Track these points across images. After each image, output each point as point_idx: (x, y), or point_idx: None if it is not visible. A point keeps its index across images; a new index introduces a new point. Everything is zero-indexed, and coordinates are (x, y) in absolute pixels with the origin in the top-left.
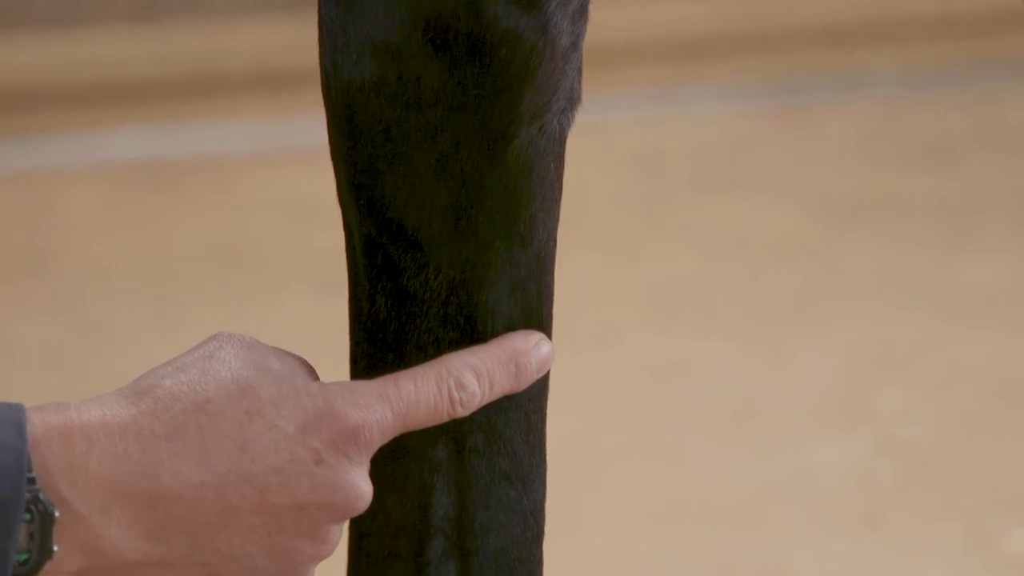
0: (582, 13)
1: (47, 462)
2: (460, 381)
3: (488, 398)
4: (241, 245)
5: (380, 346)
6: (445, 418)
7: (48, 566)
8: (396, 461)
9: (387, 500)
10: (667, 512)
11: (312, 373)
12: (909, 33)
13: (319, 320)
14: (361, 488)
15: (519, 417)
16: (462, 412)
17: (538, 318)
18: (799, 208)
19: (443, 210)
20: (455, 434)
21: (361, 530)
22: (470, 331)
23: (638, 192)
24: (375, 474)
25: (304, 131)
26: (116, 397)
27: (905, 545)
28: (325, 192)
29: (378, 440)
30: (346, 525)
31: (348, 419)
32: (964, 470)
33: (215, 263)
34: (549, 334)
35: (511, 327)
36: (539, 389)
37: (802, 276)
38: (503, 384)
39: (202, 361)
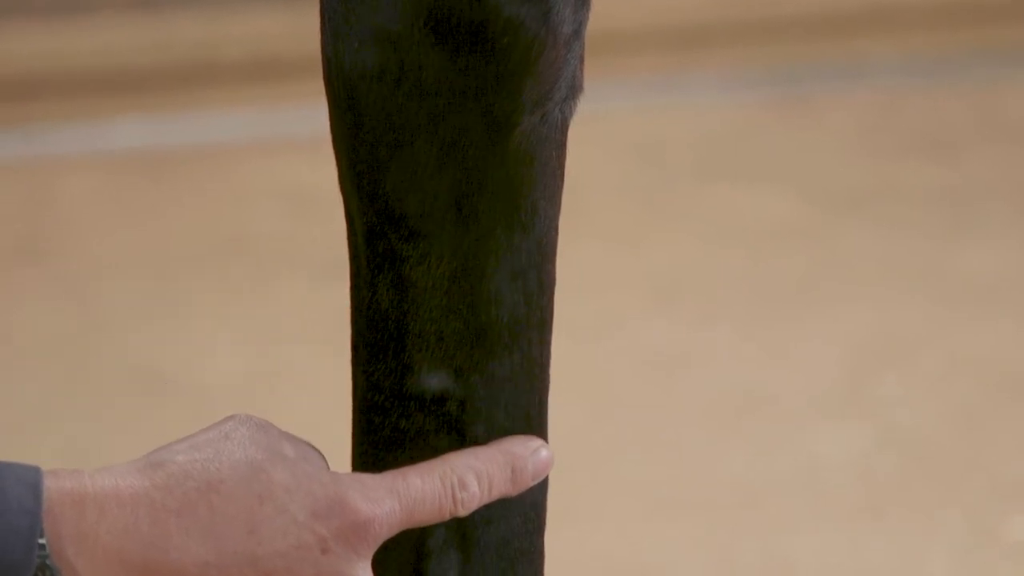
0: (584, 1)
1: (59, 528)
2: (463, 481)
3: (486, 499)
4: (240, 234)
5: (381, 335)
6: (446, 516)
7: None
8: (397, 450)
9: None
10: (667, 504)
11: (324, 461)
12: (909, 22)
13: (319, 309)
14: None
15: (519, 410)
16: (462, 512)
17: (539, 306)
18: (800, 197)
19: (445, 198)
20: (456, 424)
21: None
22: (472, 320)
23: (639, 181)
24: (373, 463)
25: (304, 120)
26: (130, 468)
27: (906, 536)
28: (325, 181)
29: (384, 535)
30: None
31: (359, 512)
32: (965, 460)
33: (215, 252)
34: (550, 322)
35: (513, 315)
36: (539, 381)
37: (803, 265)
38: (500, 487)
39: (217, 441)
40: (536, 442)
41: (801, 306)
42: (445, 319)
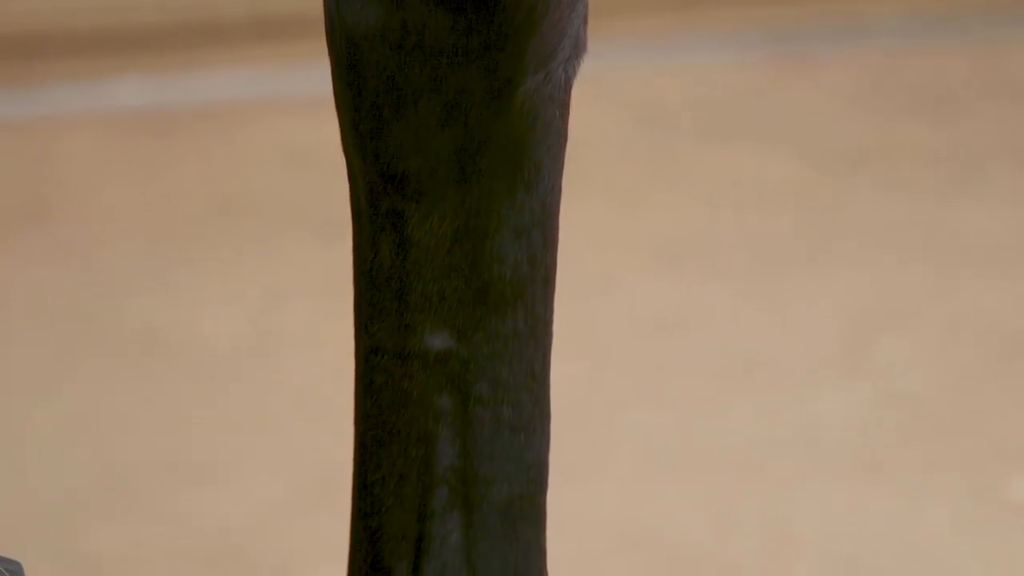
0: None
1: None
2: None
3: None
4: (243, 194)
5: (384, 295)
6: None
7: None
8: (399, 410)
9: (391, 450)
10: (668, 465)
11: None
12: None
13: (321, 268)
14: None
15: (522, 367)
16: None
17: (543, 264)
18: (800, 158)
19: (447, 158)
20: (459, 383)
21: (365, 479)
22: (475, 278)
23: (639, 142)
24: (376, 423)
25: (306, 79)
26: None
27: (906, 495)
28: (327, 141)
29: None
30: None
31: None
32: (965, 421)
33: (217, 212)
34: (554, 278)
35: (516, 273)
36: (542, 338)
37: (803, 226)
38: None
39: None
40: None
41: (802, 267)
42: (448, 278)
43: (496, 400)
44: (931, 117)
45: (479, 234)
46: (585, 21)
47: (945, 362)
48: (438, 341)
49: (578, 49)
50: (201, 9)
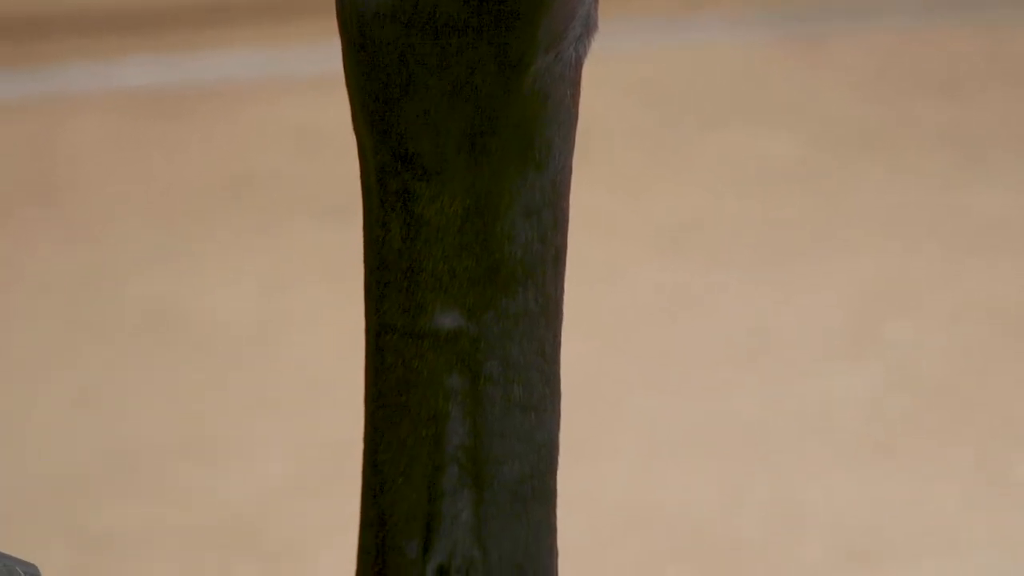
0: None
1: None
2: None
3: None
4: (250, 174)
5: (394, 274)
6: None
7: None
8: (410, 389)
9: (401, 429)
10: (677, 445)
11: None
12: None
13: (328, 248)
14: None
15: (533, 346)
16: None
17: (553, 243)
18: (809, 139)
19: (458, 137)
20: (470, 362)
21: (375, 458)
22: (486, 257)
23: (645, 123)
24: (387, 403)
25: (313, 59)
26: None
27: (916, 475)
28: (334, 121)
29: None
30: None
31: None
32: (974, 400)
33: (224, 191)
34: (564, 257)
35: (527, 252)
36: (553, 317)
37: (810, 209)
38: None
39: None
40: None
41: (809, 250)
42: (458, 257)
43: (507, 379)
44: (938, 100)
45: (490, 213)
46: (596, 0)
47: (953, 343)
48: (448, 320)
49: (589, 28)
50: None
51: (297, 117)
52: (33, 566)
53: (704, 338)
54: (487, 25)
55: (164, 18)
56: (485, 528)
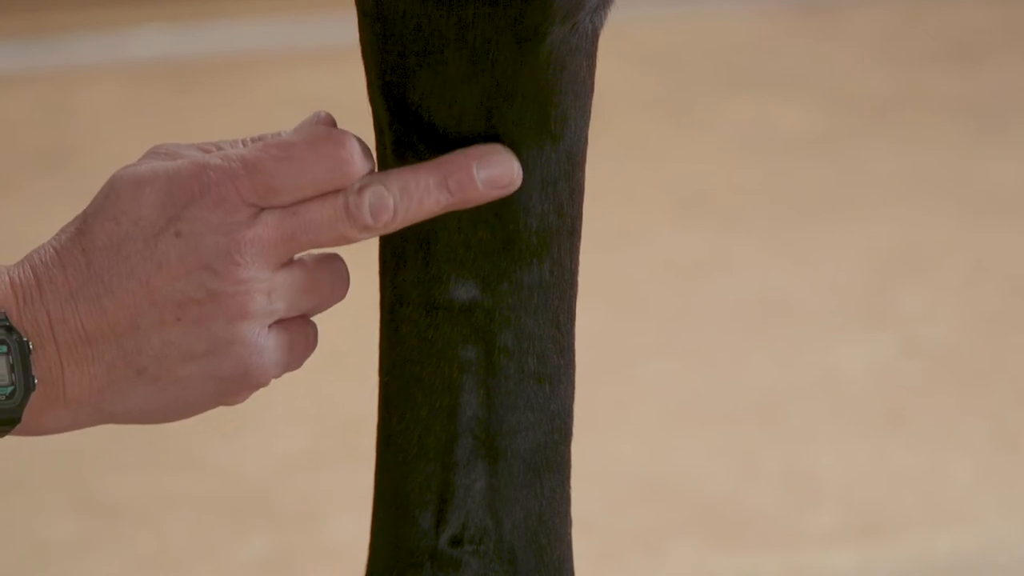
0: None
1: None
2: (361, 187)
3: (408, 207)
4: None
5: (410, 245)
6: (341, 213)
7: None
8: (424, 360)
9: (415, 400)
10: (690, 412)
11: (205, 150)
12: None
13: None
14: (224, 243)
15: (548, 317)
16: (369, 219)
17: (570, 215)
18: (823, 108)
19: (474, 108)
20: (484, 333)
21: (389, 430)
22: (501, 230)
23: (661, 92)
24: (402, 373)
25: (327, 30)
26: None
27: (929, 443)
28: (348, 91)
29: (233, 195)
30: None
31: (205, 176)
32: (988, 368)
33: None
34: (580, 229)
35: (543, 224)
36: (568, 288)
37: (826, 176)
38: (430, 195)
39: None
40: (485, 149)
41: (823, 216)
42: (473, 228)
43: (521, 350)
44: (951, 69)
45: None
46: None
47: (968, 311)
48: (463, 292)
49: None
50: None
51: (310, 87)
52: None
53: (717, 306)
54: None
55: None
56: (499, 498)
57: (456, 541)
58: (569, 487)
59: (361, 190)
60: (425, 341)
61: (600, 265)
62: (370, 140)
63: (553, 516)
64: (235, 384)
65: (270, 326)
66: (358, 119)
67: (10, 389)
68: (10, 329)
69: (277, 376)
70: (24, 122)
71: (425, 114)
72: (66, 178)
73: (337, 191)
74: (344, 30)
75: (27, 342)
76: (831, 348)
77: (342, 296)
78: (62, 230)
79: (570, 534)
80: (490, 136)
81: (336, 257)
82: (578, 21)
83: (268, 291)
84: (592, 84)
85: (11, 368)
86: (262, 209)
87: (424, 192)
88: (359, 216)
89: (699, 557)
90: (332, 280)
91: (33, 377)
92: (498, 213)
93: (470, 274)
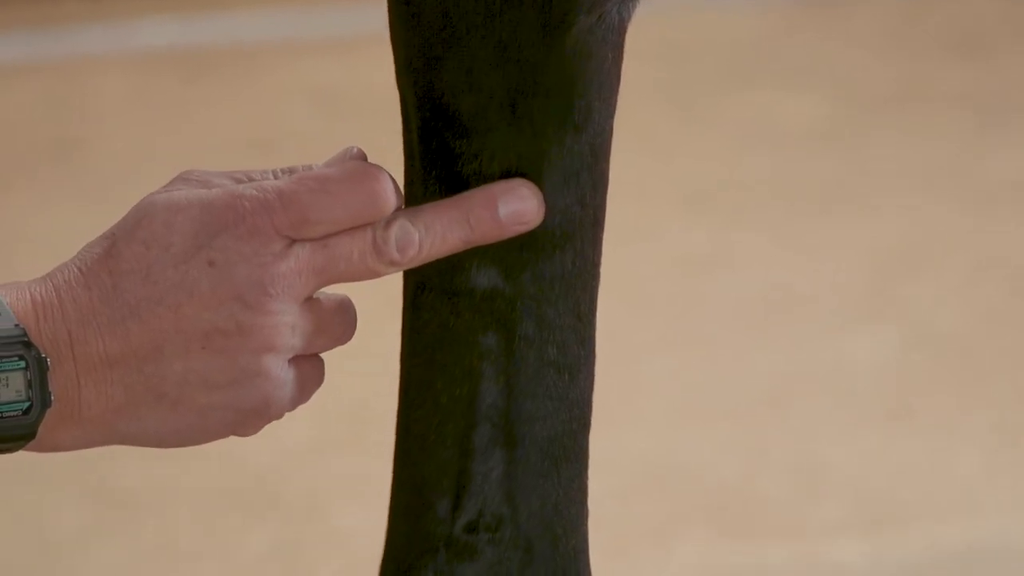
0: None
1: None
2: (389, 222)
3: (431, 242)
4: (271, 134)
5: None
6: (370, 246)
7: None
8: (444, 347)
9: (435, 387)
10: (698, 404)
11: (235, 182)
12: None
13: None
14: (257, 275)
15: (569, 307)
16: (395, 254)
17: (593, 206)
18: (830, 100)
19: (499, 97)
20: (505, 322)
21: (409, 416)
22: None
23: (667, 86)
24: (422, 360)
25: (333, 21)
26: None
27: (935, 436)
28: (354, 82)
29: (267, 227)
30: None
31: (240, 207)
32: (994, 361)
33: (246, 152)
34: (603, 220)
35: (566, 216)
36: (590, 279)
37: (832, 169)
38: (453, 232)
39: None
40: (508, 185)
41: (829, 210)
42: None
43: (541, 339)
44: (957, 61)
45: (529, 176)
46: None
47: (974, 303)
48: (485, 280)
49: None
50: None
51: (316, 78)
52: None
53: (724, 300)
54: None
55: None
56: (516, 486)
57: (472, 528)
58: (586, 477)
59: (388, 225)
60: (445, 328)
61: (607, 258)
62: (373, 127)
63: (569, 505)
64: (253, 416)
65: (289, 361)
66: (364, 109)
67: (27, 405)
68: (28, 345)
69: (290, 411)
70: (31, 112)
71: (451, 101)
72: (73, 168)
73: (365, 226)
74: (351, 21)
75: (45, 359)
76: (837, 341)
77: (349, 338)
78: (86, 249)
79: (586, 524)
80: (514, 125)
81: (348, 298)
82: (605, 11)
83: (292, 325)
84: (618, 76)
85: (29, 384)
86: (294, 242)
87: (448, 228)
88: (386, 251)
89: (707, 548)
90: (344, 321)
91: (50, 394)
92: None
93: (492, 262)
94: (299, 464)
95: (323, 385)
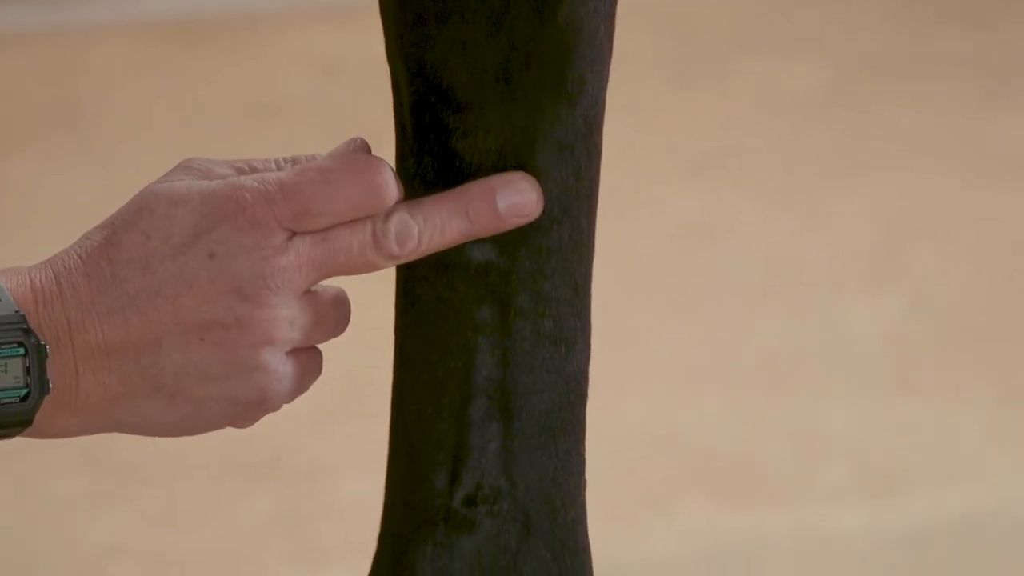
0: None
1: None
2: (388, 215)
3: (430, 237)
4: (273, 102)
5: None
6: (368, 241)
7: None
8: (439, 321)
9: (430, 360)
10: (699, 374)
11: (238, 172)
12: None
13: None
14: (258, 268)
15: (565, 280)
16: (395, 248)
17: (587, 178)
18: (833, 67)
19: (492, 71)
20: (500, 295)
21: (404, 389)
22: None
23: (669, 52)
24: (417, 333)
25: None
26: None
27: (938, 402)
28: (358, 50)
29: (269, 219)
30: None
31: (240, 199)
32: (997, 328)
33: (247, 119)
34: (597, 192)
35: (561, 188)
36: (586, 252)
37: (835, 137)
38: (452, 226)
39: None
40: (506, 178)
41: (833, 177)
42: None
43: (537, 313)
44: (962, 29)
45: (524, 149)
46: None
47: (977, 272)
48: (479, 253)
49: None
50: None
51: (321, 45)
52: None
53: (726, 267)
54: None
55: None
56: (513, 459)
57: (470, 501)
58: (584, 449)
59: (387, 218)
60: (440, 301)
61: (606, 227)
62: (380, 97)
63: (567, 477)
64: (250, 408)
65: (286, 353)
66: (367, 78)
67: (25, 391)
68: (28, 332)
69: (287, 403)
70: (34, 80)
71: (444, 75)
72: (76, 136)
73: (364, 219)
74: None
75: (44, 346)
76: (840, 308)
77: (343, 331)
78: (86, 237)
79: (584, 495)
80: (508, 99)
81: (343, 291)
82: None
83: (291, 319)
84: (610, 47)
85: (27, 371)
86: (294, 234)
87: (447, 221)
88: (385, 244)
89: (707, 514)
90: (339, 314)
91: (48, 381)
92: None
93: (487, 237)
94: (300, 432)
95: (327, 352)
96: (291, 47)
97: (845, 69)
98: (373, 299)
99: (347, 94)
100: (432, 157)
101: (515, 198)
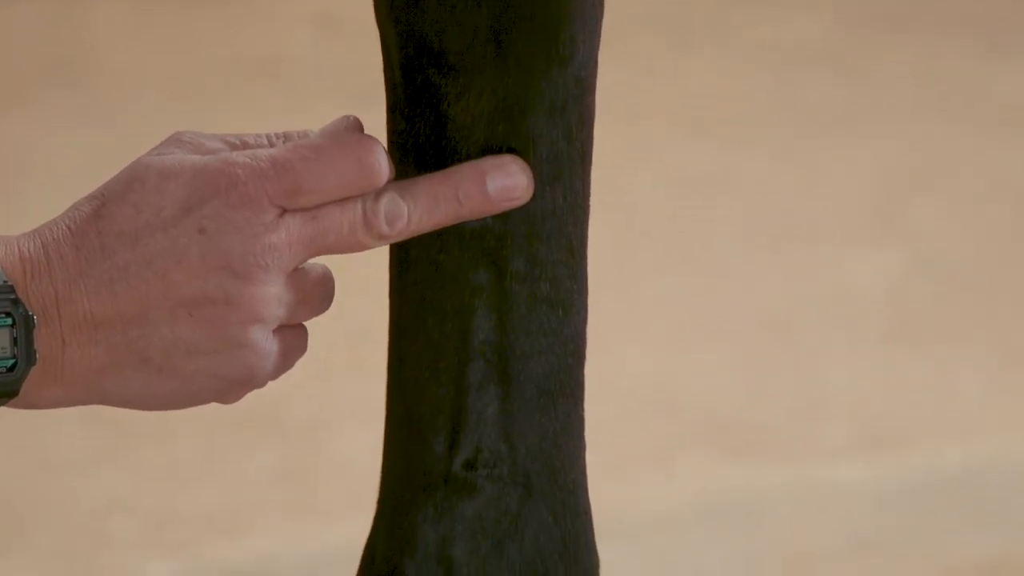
0: None
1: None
2: (378, 194)
3: (421, 218)
4: (272, 59)
5: (419, 170)
6: (359, 221)
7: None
8: (433, 285)
9: (427, 324)
10: (699, 327)
11: (229, 146)
12: None
13: None
14: (249, 245)
15: (561, 242)
16: (385, 228)
17: (580, 140)
18: (834, 21)
19: (484, 32)
20: (496, 258)
21: (401, 353)
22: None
23: (668, 6)
24: (412, 298)
25: None
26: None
27: (938, 358)
28: (357, 8)
29: (260, 195)
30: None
31: (233, 175)
32: (997, 284)
33: (246, 77)
34: (591, 153)
35: (554, 151)
36: (581, 214)
37: (836, 91)
38: (441, 208)
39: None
40: (497, 161)
41: (834, 131)
42: (483, 156)
43: (533, 276)
44: None
45: (516, 112)
46: None
47: (979, 226)
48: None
49: None
50: None
51: (324, 4)
52: None
53: (726, 221)
54: None
55: None
56: (512, 422)
57: (470, 465)
58: (583, 411)
59: (378, 197)
60: (435, 265)
61: (607, 182)
62: (373, 53)
63: (567, 440)
64: (236, 384)
65: (273, 331)
66: (368, 35)
67: (12, 362)
68: (16, 302)
69: (273, 380)
70: (31, 35)
71: (434, 38)
72: (74, 92)
73: (355, 198)
74: None
75: (32, 316)
76: (841, 263)
77: (327, 309)
78: (75, 207)
79: (584, 458)
80: (500, 61)
81: (328, 270)
82: None
83: (279, 297)
84: (601, 7)
85: (14, 341)
86: (285, 212)
87: (436, 202)
88: (375, 223)
89: (708, 469)
90: (324, 292)
91: (35, 351)
92: (507, 140)
93: None
94: (300, 387)
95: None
96: (293, 3)
97: (847, 23)
98: (371, 252)
99: (348, 52)
100: (424, 120)
101: (505, 181)
